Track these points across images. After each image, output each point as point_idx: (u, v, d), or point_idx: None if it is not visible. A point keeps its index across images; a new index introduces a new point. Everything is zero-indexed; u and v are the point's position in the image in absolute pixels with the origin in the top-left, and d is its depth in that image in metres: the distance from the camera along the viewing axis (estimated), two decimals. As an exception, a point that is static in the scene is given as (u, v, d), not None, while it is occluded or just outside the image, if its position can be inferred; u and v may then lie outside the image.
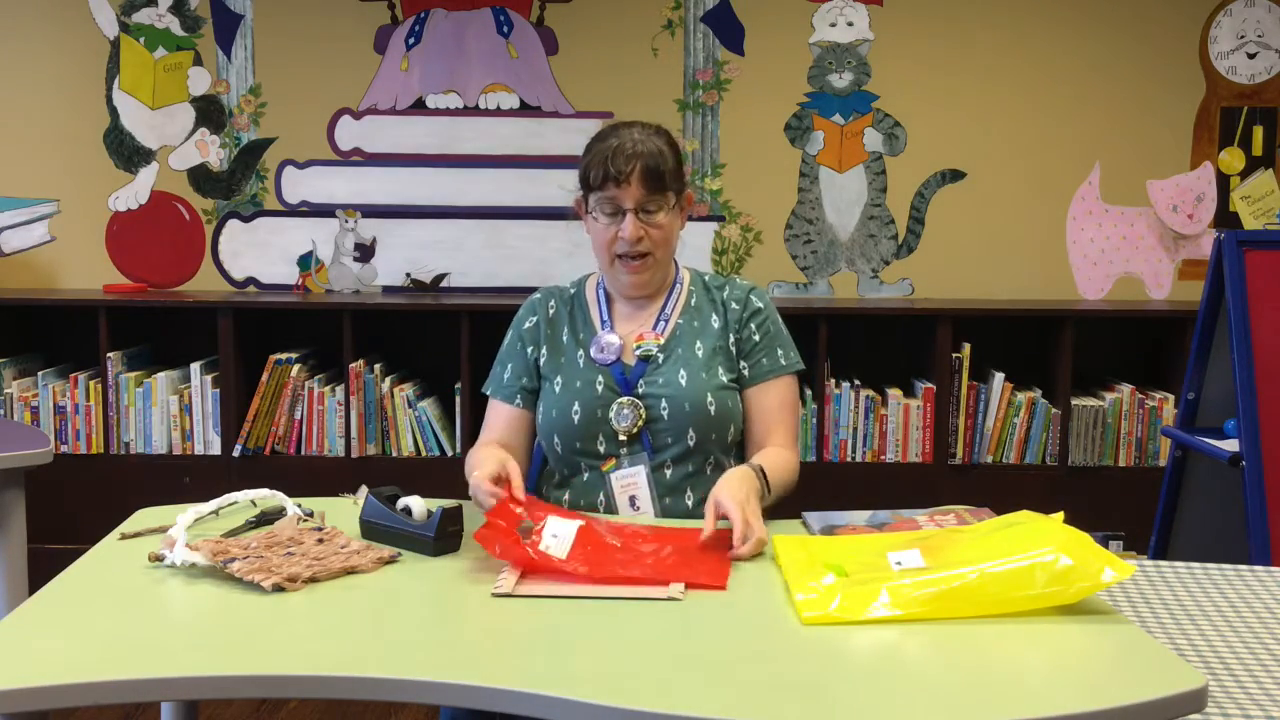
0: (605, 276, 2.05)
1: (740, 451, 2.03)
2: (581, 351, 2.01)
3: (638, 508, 1.92)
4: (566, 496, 1.98)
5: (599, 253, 2.00)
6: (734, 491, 1.70)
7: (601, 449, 1.94)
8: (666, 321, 2.02)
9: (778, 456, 1.92)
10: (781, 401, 2.01)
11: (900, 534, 1.65)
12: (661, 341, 1.99)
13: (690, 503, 1.93)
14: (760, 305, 2.05)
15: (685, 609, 1.45)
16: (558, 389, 1.98)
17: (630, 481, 1.92)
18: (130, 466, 3.72)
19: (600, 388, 1.96)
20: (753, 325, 2.02)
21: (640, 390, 1.95)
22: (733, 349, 2.01)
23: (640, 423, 1.93)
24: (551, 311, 2.07)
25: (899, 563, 1.52)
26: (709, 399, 1.95)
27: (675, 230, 2.00)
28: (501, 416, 2.05)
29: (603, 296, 2.07)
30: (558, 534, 1.61)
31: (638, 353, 1.99)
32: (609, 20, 3.93)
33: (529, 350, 2.05)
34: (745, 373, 2.01)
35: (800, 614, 1.41)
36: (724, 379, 1.99)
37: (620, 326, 2.03)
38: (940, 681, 1.25)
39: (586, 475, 1.96)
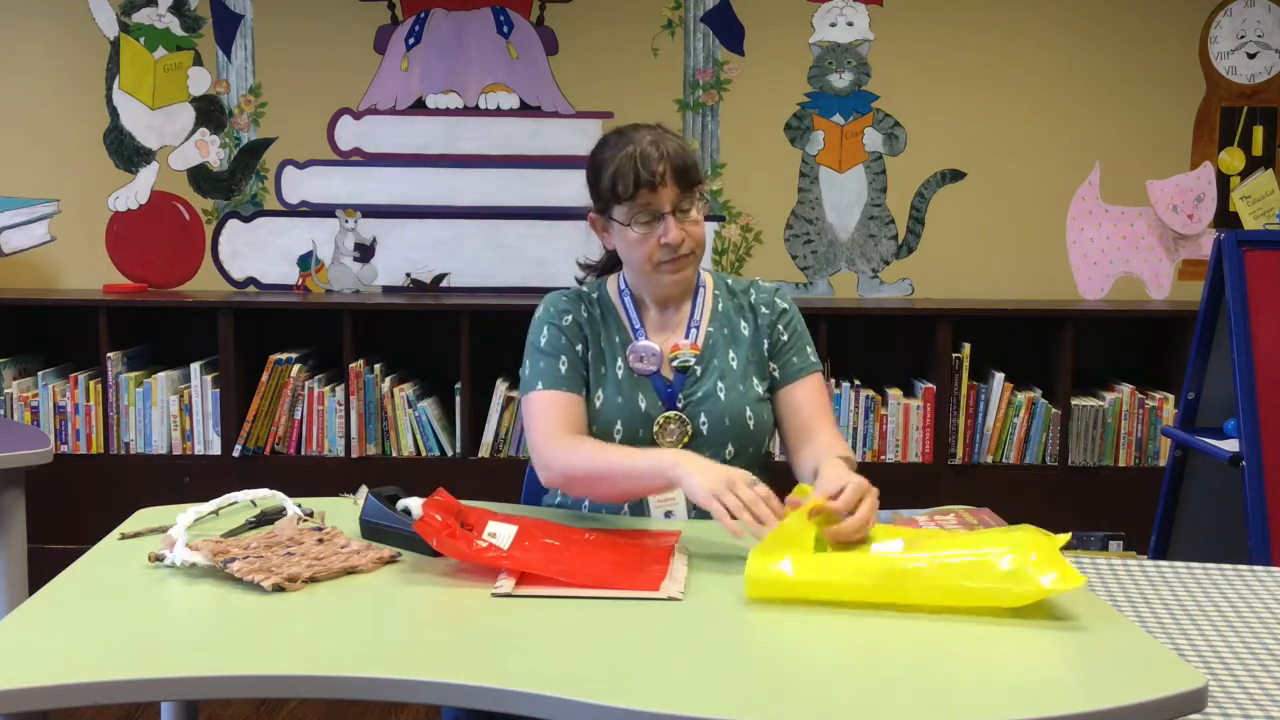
0: (639, 282, 1.98)
1: (767, 456, 2.01)
2: (620, 362, 1.95)
3: None
4: (586, 504, 1.94)
5: (637, 262, 1.91)
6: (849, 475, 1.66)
7: None
8: (697, 329, 1.98)
9: (838, 449, 1.87)
10: (818, 397, 1.97)
11: (888, 528, 1.64)
12: (698, 352, 1.96)
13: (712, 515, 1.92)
14: (786, 306, 2.02)
15: (685, 609, 1.45)
16: (599, 403, 1.92)
17: (668, 498, 1.87)
18: (130, 466, 3.73)
19: (643, 404, 1.91)
20: (780, 326, 2.00)
21: (680, 404, 1.92)
22: (765, 354, 1.99)
23: (686, 439, 1.90)
24: (585, 314, 1.98)
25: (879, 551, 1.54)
26: (748, 412, 1.92)
27: (704, 225, 1.96)
28: (572, 404, 1.90)
29: (630, 302, 2.00)
30: (496, 533, 1.60)
31: (675, 364, 1.95)
32: (609, 20, 3.93)
33: (577, 347, 1.94)
34: (776, 374, 1.98)
35: (746, 578, 1.46)
36: (759, 390, 1.96)
37: (651, 335, 1.98)
38: (940, 682, 1.25)
39: None
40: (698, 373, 1.95)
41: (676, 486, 1.71)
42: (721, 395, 1.92)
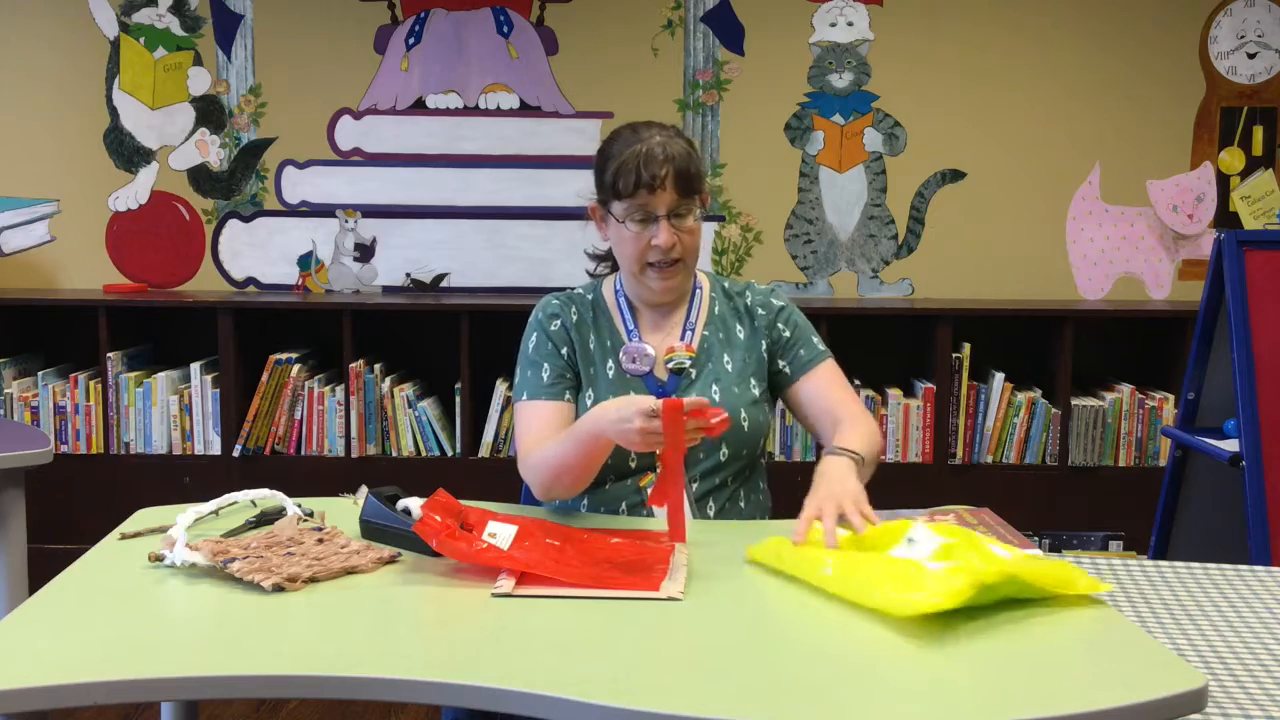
0: (630, 284, 1.99)
1: (761, 458, 2.01)
2: (611, 363, 1.96)
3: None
4: (585, 501, 1.94)
5: (627, 261, 1.93)
6: (833, 489, 1.67)
7: (632, 464, 1.90)
8: (693, 331, 1.98)
9: (856, 428, 1.87)
10: (835, 380, 1.98)
11: (944, 525, 1.62)
12: (693, 354, 1.96)
13: (711, 513, 1.91)
14: (782, 304, 2.03)
15: (685, 609, 1.45)
16: (590, 403, 1.92)
17: None
18: (130, 466, 3.73)
19: None
20: (780, 324, 2.00)
21: None
22: (765, 355, 1.99)
23: None
24: (575, 316, 1.99)
25: (911, 540, 1.54)
26: (743, 415, 1.92)
27: (700, 234, 1.95)
28: (552, 413, 1.93)
29: (624, 303, 2.01)
30: (496, 533, 1.61)
31: (669, 365, 1.95)
32: (609, 20, 3.93)
33: (562, 350, 1.97)
34: (786, 370, 1.99)
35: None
36: (755, 393, 1.96)
37: (646, 336, 1.98)
38: (940, 681, 1.25)
39: (608, 486, 1.92)
40: (692, 375, 1.95)
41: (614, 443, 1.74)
42: (717, 397, 1.92)
